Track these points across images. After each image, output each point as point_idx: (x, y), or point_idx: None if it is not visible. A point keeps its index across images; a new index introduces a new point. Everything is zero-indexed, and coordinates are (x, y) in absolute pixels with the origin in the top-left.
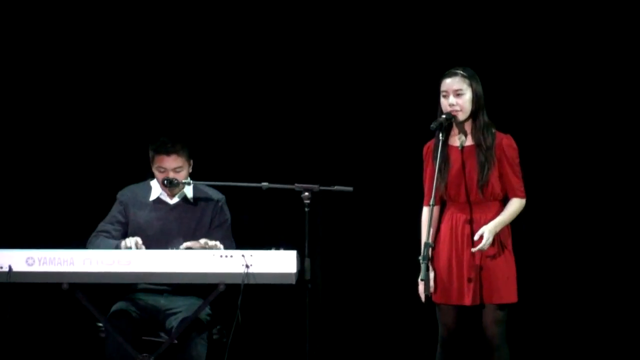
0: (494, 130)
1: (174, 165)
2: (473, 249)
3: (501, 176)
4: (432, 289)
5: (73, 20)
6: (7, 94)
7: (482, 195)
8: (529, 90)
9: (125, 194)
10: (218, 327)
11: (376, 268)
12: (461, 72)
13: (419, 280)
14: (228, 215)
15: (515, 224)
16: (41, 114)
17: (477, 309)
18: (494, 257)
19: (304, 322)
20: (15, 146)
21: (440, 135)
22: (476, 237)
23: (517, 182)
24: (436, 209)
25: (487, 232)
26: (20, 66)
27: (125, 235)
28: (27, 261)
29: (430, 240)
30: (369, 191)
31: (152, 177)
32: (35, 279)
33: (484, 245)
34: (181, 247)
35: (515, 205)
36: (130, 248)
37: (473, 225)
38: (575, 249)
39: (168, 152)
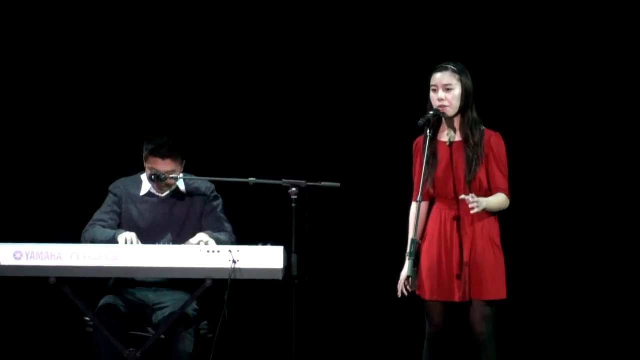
0: (482, 127)
1: (167, 169)
2: (462, 196)
3: (487, 173)
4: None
5: (68, 18)
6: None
7: (469, 191)
8: (519, 88)
9: (118, 187)
10: (205, 322)
11: (363, 264)
12: (452, 67)
13: (404, 275)
14: (219, 201)
15: (502, 221)
16: (30, 109)
17: (465, 306)
18: (483, 253)
19: (291, 317)
20: (3, 141)
21: (428, 131)
22: (463, 197)
23: (502, 181)
24: (424, 205)
25: (480, 199)
26: (11, 61)
27: (120, 226)
28: (14, 255)
29: (416, 237)
30: (357, 187)
31: (143, 171)
32: (22, 273)
33: (476, 203)
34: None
35: (502, 197)
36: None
37: (461, 222)
38: (564, 246)
39: (163, 157)
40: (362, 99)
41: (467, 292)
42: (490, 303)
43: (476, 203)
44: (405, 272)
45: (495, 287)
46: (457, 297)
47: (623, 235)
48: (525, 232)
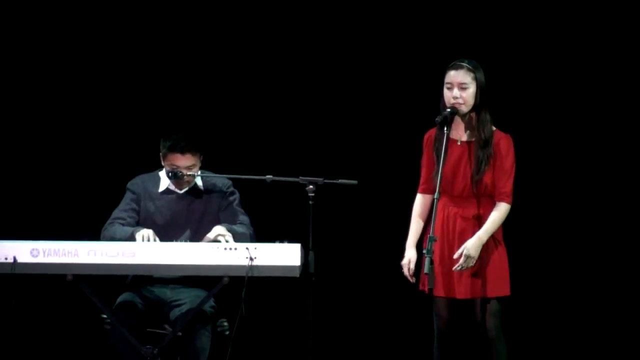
0: (493, 128)
1: (187, 163)
2: (453, 268)
3: (493, 175)
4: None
5: (86, 14)
6: (14, 84)
7: (475, 191)
8: (529, 89)
9: (136, 184)
10: (222, 319)
11: (380, 261)
12: (466, 64)
13: (404, 264)
14: (235, 195)
15: (508, 219)
16: (47, 106)
17: (472, 302)
18: (486, 251)
19: (308, 314)
20: (21, 138)
21: (445, 129)
22: (455, 256)
23: (505, 186)
24: (429, 200)
25: (467, 250)
26: (28, 57)
27: (138, 223)
28: (31, 252)
29: (433, 234)
30: (374, 184)
31: (161, 167)
32: (39, 270)
33: (462, 264)
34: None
35: (501, 211)
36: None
37: (465, 220)
38: (569, 244)
39: (182, 152)
40: (378, 97)
41: (471, 289)
42: (496, 299)
43: (464, 260)
44: (425, 269)
45: (500, 283)
46: (460, 294)
47: (628, 233)
48: (530, 229)
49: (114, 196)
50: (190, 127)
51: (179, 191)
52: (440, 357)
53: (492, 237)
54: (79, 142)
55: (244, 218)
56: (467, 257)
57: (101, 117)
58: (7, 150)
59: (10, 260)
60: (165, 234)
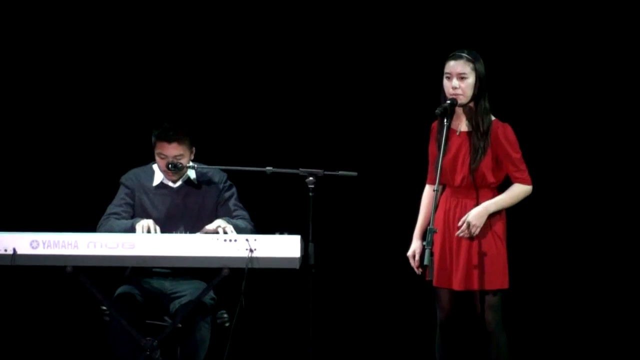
0: (492, 117)
1: (174, 152)
2: (456, 234)
3: (498, 164)
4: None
5: (79, 9)
6: (12, 80)
7: (472, 180)
8: (528, 79)
9: (130, 178)
10: (222, 311)
11: (380, 253)
12: (466, 55)
13: (409, 256)
14: (233, 189)
15: (509, 212)
16: (45, 98)
17: (473, 294)
18: (484, 244)
19: (308, 306)
20: (20, 130)
21: (445, 120)
22: (459, 223)
23: (516, 171)
24: (433, 191)
25: (470, 217)
26: (23, 49)
27: (133, 218)
28: (31, 244)
29: (433, 226)
30: (374, 176)
31: (154, 160)
32: (39, 262)
33: (462, 232)
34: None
35: (516, 189)
36: (148, 232)
37: (465, 211)
38: (569, 237)
39: (169, 140)
40: (379, 88)
41: (470, 281)
42: (494, 292)
43: (467, 229)
44: (425, 261)
45: (497, 276)
46: (457, 286)
47: (626, 227)
48: (531, 222)
49: (113, 187)
50: (188, 118)
51: (173, 185)
52: (442, 348)
53: (492, 231)
54: (78, 134)
55: (243, 213)
56: (469, 224)
57: (99, 109)
58: (6, 143)
59: (10, 251)
60: (162, 228)
